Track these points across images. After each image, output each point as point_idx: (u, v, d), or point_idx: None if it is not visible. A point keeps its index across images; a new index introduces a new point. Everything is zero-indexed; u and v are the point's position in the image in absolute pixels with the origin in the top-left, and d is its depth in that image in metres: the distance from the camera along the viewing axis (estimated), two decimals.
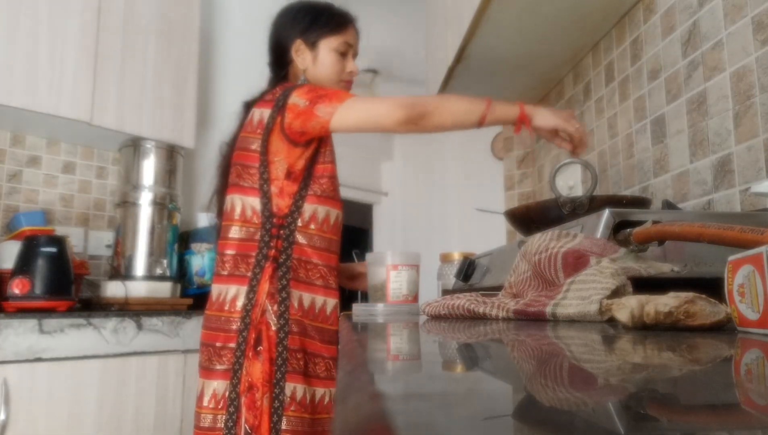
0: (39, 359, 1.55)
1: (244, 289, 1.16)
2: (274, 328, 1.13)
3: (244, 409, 1.10)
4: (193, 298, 2.08)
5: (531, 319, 0.64)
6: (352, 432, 0.16)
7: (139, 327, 1.75)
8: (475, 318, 0.72)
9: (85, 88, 1.95)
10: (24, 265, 1.66)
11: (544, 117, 1.15)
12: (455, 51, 1.76)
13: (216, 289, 1.21)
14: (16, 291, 1.61)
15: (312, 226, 1.20)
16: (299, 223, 1.19)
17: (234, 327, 1.15)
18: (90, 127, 1.99)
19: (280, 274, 1.16)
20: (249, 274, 1.17)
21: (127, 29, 2.08)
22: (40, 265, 1.67)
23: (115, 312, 1.74)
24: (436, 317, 0.80)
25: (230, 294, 1.17)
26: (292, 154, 1.20)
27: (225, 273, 1.20)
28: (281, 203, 1.19)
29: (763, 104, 1.00)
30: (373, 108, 1.17)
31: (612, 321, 0.54)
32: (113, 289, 1.92)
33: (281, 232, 1.18)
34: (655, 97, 1.37)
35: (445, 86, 2.03)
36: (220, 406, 1.13)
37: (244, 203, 1.21)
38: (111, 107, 2.01)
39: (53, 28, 1.89)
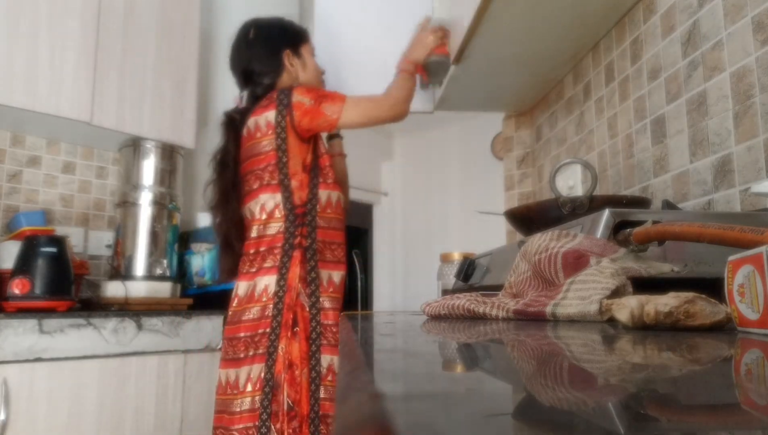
0: (39, 359, 1.55)
1: (274, 278, 1.29)
2: (307, 307, 1.27)
3: (285, 386, 1.21)
4: (193, 298, 2.08)
5: (531, 319, 0.64)
6: (352, 432, 0.16)
7: (139, 327, 1.75)
8: (475, 318, 0.72)
9: (85, 88, 1.95)
10: (24, 265, 1.66)
11: (418, 52, 1.55)
12: (455, 51, 1.76)
13: (243, 286, 1.31)
14: (16, 291, 1.61)
15: (328, 211, 1.36)
16: (318, 210, 1.35)
17: (268, 313, 1.26)
18: (90, 127, 1.99)
19: (308, 257, 1.31)
20: (277, 263, 1.30)
21: (127, 29, 2.08)
22: (40, 265, 1.66)
23: (115, 312, 1.74)
24: (436, 317, 0.80)
25: (260, 286, 1.29)
26: (303, 149, 1.34)
27: (253, 270, 1.31)
28: (302, 194, 1.33)
29: (763, 104, 1.00)
30: (375, 107, 1.36)
31: (612, 321, 0.54)
32: (113, 289, 1.92)
33: (305, 219, 1.33)
34: (655, 97, 1.37)
35: (445, 86, 2.03)
36: (257, 388, 1.23)
37: (266, 202, 1.33)
38: (111, 107, 2.01)
39: (53, 28, 1.89)
